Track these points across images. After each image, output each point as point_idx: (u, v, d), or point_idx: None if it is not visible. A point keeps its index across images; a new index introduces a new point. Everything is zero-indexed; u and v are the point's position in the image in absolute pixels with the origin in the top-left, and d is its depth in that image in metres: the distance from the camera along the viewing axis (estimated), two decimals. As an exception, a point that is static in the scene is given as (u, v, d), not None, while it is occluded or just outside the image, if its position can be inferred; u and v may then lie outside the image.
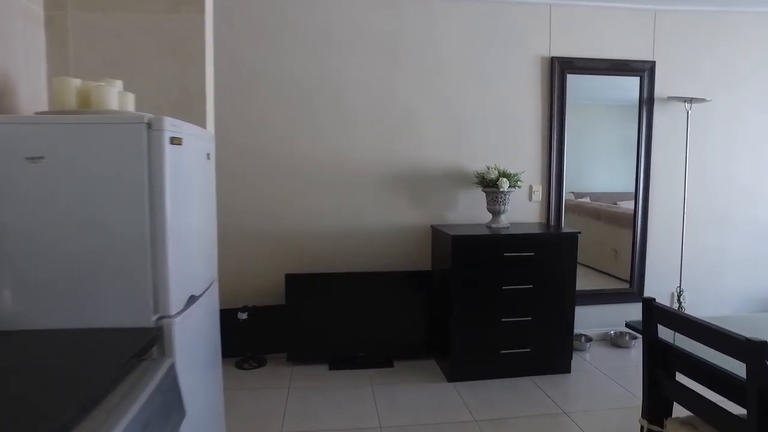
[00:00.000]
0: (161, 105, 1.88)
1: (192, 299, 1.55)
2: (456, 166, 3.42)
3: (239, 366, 3.19)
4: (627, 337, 3.58)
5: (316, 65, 3.24)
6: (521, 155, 3.48)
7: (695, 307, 3.75)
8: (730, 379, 1.37)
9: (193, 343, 1.54)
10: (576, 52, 3.45)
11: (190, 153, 1.56)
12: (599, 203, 3.67)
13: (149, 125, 1.31)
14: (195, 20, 1.98)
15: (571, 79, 3.44)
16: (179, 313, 1.41)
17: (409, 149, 3.37)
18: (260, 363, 3.23)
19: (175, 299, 1.38)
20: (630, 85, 3.54)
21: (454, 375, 2.98)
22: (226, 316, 3.23)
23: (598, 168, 3.61)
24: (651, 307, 1.45)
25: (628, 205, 3.65)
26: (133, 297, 1.31)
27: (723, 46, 3.65)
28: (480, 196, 3.36)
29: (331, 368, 3.17)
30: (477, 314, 2.95)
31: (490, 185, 3.15)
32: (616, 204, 3.71)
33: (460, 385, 2.93)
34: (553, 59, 3.42)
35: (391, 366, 3.21)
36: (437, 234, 3.23)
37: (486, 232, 3.04)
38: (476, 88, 3.39)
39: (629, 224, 3.66)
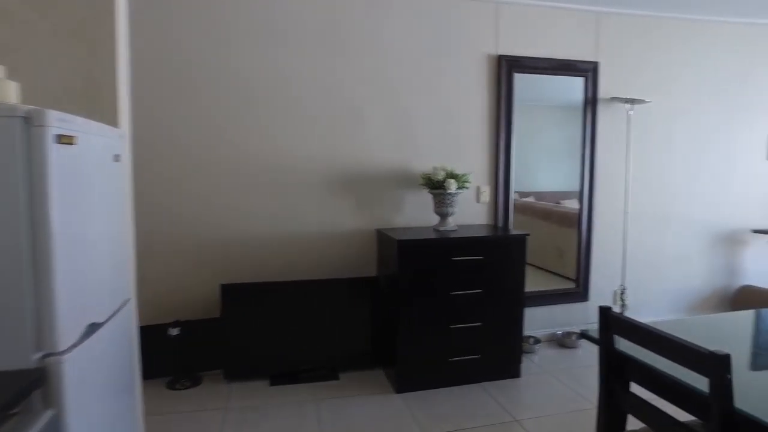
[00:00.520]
0: (60, 97, 1.61)
1: (93, 327, 1.31)
2: (402, 166, 3.28)
3: (171, 386, 2.91)
4: (573, 337, 3.57)
5: (255, 56, 3.00)
6: (469, 155, 3.40)
7: (636, 304, 3.82)
8: (689, 392, 1.30)
9: (95, 377, 1.30)
10: (523, 51, 3.40)
11: (89, 154, 1.32)
12: (545, 203, 3.65)
13: (26, 119, 1.07)
14: (101, -2, 1.72)
15: (518, 78, 3.38)
16: (73, 347, 1.17)
17: (354, 148, 3.20)
18: (195, 382, 2.96)
19: (66, 331, 1.14)
20: (575, 86, 3.53)
21: (402, 385, 2.84)
22: (155, 333, 2.96)
23: (541, 167, 3.58)
24: (607, 317, 1.36)
25: (570, 204, 3.65)
26: (6, 332, 1.06)
27: (661, 51, 3.73)
28: (427, 198, 3.24)
29: (273, 384, 2.95)
30: (425, 321, 2.83)
31: (437, 187, 3.03)
32: (559, 203, 3.70)
33: (409, 396, 2.80)
34: (500, 57, 3.35)
35: (337, 378, 3.03)
36: (383, 238, 3.09)
37: (434, 235, 2.92)
38: (423, 86, 3.27)
39: (573, 223, 3.66)
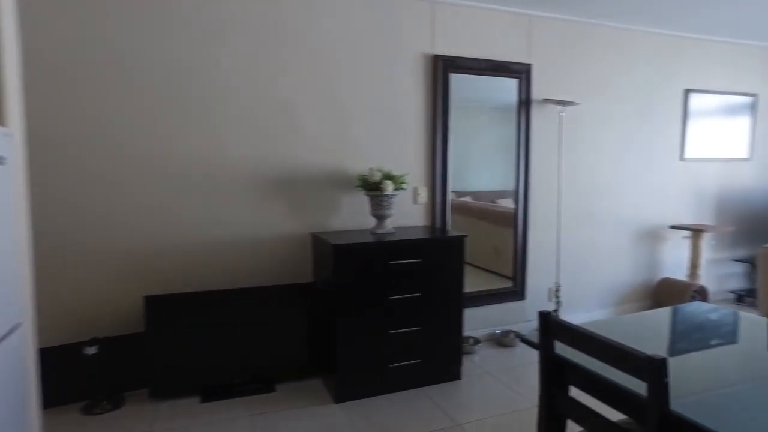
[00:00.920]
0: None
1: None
2: (338, 167, 3.18)
3: (88, 411, 2.65)
4: (512, 336, 3.62)
5: (181, 49, 2.79)
6: (406, 156, 3.35)
7: (570, 300, 3.94)
8: (628, 395, 1.29)
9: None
10: (459, 52, 3.40)
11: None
12: (482, 202, 3.68)
13: None
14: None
15: (454, 78, 3.37)
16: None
17: (288, 148, 3.06)
18: (116, 404, 2.71)
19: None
20: (509, 87, 3.58)
21: (342, 395, 2.74)
22: (67, 354, 2.68)
23: (478, 168, 3.60)
24: (548, 322, 1.33)
25: (505, 203, 3.69)
26: None
27: (590, 56, 3.86)
28: (364, 200, 3.16)
29: (204, 400, 2.75)
30: (364, 327, 2.74)
31: (373, 188, 2.96)
32: (495, 202, 3.74)
33: (349, 406, 2.70)
34: (436, 57, 3.33)
35: (273, 390, 2.88)
36: (318, 242, 2.97)
37: (371, 238, 2.84)
38: (359, 85, 3.18)
39: (510, 223, 3.71)
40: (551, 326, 1.34)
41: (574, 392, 1.51)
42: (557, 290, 3.80)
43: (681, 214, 4.50)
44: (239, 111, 2.94)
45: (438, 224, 3.43)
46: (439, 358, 2.94)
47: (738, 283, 4.95)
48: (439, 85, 3.33)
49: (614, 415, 1.41)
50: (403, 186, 3.05)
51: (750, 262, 4.88)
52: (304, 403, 2.74)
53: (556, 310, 3.75)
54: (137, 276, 2.82)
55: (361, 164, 3.20)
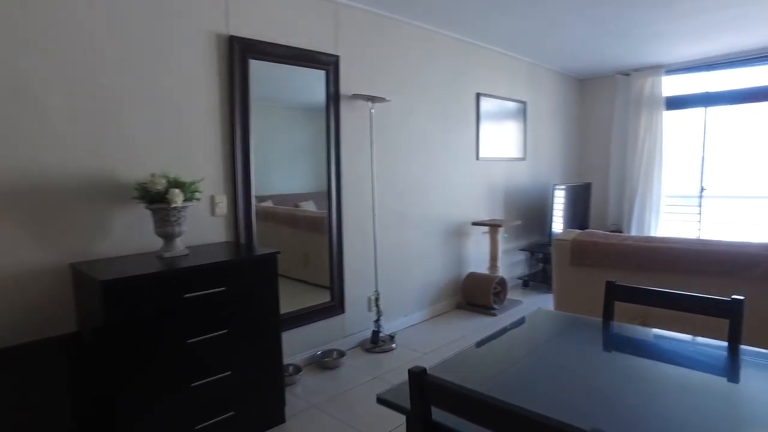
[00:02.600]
0: None
1: None
2: (106, 173, 2.38)
3: None
4: (335, 354, 3.29)
5: None
6: (197, 158, 2.70)
7: (388, 307, 3.78)
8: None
9: None
10: (260, 35, 2.89)
11: None
12: (287, 207, 3.23)
13: None
14: None
15: (255, 67, 2.85)
16: None
17: (26, 148, 2.14)
18: None
19: None
20: (317, 81, 3.21)
21: (127, 483, 2.01)
22: None
23: (277, 168, 3.13)
24: (423, 383, 0.97)
25: (309, 206, 3.32)
26: None
27: (396, 51, 3.74)
28: (145, 214, 2.44)
29: None
30: (155, 385, 2.06)
31: (157, 200, 2.27)
32: (298, 206, 3.35)
33: (137, 496, 2.00)
34: (232, 39, 2.75)
35: (14, 500, 1.98)
36: (81, 277, 2.16)
37: (157, 266, 2.16)
38: (130, 69, 2.42)
39: (319, 227, 3.35)
40: (427, 388, 0.98)
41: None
42: (377, 299, 3.60)
43: (480, 210, 4.77)
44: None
45: (243, 239, 2.88)
46: (258, 405, 2.41)
47: (522, 270, 5.53)
48: (237, 72, 2.77)
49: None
50: (197, 195, 2.42)
51: (529, 250, 5.49)
52: None
53: (377, 320, 3.54)
54: None
55: (138, 170, 2.46)
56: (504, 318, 4.18)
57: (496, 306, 4.33)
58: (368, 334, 3.60)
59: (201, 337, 2.17)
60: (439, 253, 4.32)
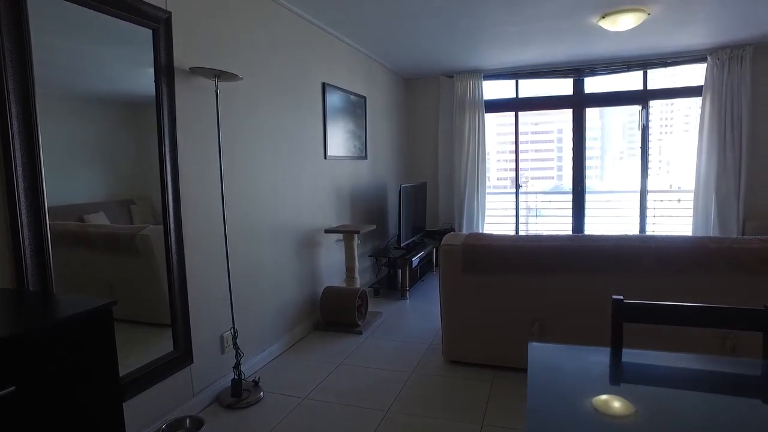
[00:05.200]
0: None
1: None
2: None
3: None
4: (187, 424, 2.38)
5: None
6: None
7: (247, 344, 2.96)
8: None
9: None
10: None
11: None
12: (72, 223, 2.18)
13: None
14: None
15: (34, 9, 1.79)
16: None
17: None
18: None
19: None
20: (139, 48, 2.25)
21: None
22: None
23: (50, 170, 2.07)
24: None
25: (98, 219, 2.32)
26: None
27: (242, 20, 2.92)
28: None
29: None
30: None
31: None
32: (83, 220, 2.34)
33: None
34: (-13, -47, 1.66)
35: None
36: None
37: None
38: None
39: (127, 247, 2.38)
40: None
41: None
42: (235, 337, 2.76)
43: (330, 215, 4.24)
44: None
45: (34, 284, 1.80)
46: None
47: (370, 277, 5.18)
48: (4, 13, 1.69)
49: None
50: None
51: (374, 256, 5.17)
52: None
53: (237, 364, 2.70)
54: None
55: None
56: (371, 336, 3.73)
57: (360, 322, 3.85)
58: (227, 383, 2.75)
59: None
60: (293, 268, 3.65)
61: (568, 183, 6.65)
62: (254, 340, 3.13)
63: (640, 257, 2.58)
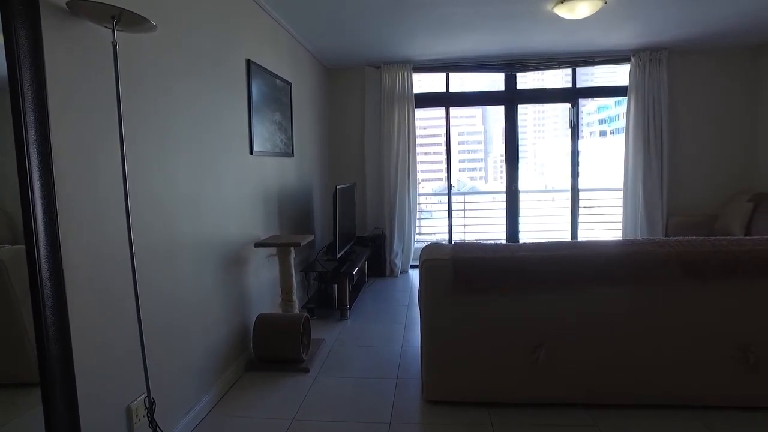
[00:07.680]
0: None
1: None
2: None
3: None
4: None
5: None
6: None
7: (163, 404, 2.09)
8: None
9: None
10: None
11: None
12: None
13: None
14: None
15: None
16: None
17: None
18: None
19: None
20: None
21: None
22: None
23: None
24: None
25: None
26: None
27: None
28: None
29: None
30: None
31: None
32: None
33: None
34: None
35: None
36: None
37: None
38: None
39: None
40: None
41: None
42: (152, 409, 1.90)
43: (258, 224, 3.43)
44: None
45: None
46: None
47: (300, 295, 4.41)
48: None
49: None
50: None
51: (304, 270, 4.43)
52: None
53: (153, 448, 1.85)
54: None
55: None
56: (320, 373, 3.01)
57: (304, 356, 3.11)
58: (137, 481, 1.88)
59: None
60: (219, 297, 2.81)
61: (494, 184, 6.44)
62: (175, 403, 2.26)
63: (664, 264, 2.21)
